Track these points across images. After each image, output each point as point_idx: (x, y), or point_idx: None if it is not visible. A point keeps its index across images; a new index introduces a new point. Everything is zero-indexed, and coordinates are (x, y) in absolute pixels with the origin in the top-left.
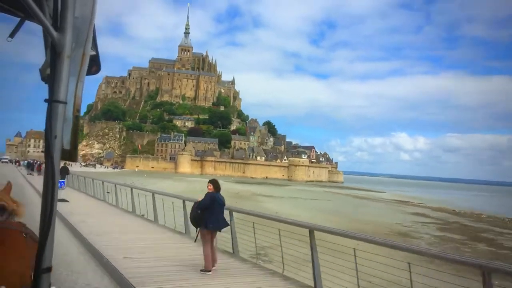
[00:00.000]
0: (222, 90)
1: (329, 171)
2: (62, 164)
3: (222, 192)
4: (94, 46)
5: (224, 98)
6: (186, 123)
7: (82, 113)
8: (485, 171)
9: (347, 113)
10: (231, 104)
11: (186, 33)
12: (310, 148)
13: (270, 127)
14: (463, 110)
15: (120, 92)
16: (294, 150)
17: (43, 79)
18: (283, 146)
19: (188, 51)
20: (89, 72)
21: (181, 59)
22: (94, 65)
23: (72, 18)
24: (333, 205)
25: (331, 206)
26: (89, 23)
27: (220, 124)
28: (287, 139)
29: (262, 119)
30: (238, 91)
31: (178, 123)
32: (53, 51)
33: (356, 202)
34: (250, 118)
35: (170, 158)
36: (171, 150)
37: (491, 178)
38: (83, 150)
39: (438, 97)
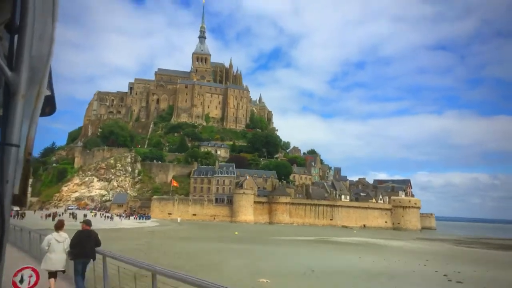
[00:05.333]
0: (255, 110)
1: None
2: (85, 226)
3: None
4: (49, 85)
5: (259, 119)
6: (218, 151)
7: (64, 143)
8: (453, 208)
9: (337, 151)
10: (268, 127)
11: (201, 37)
12: (406, 182)
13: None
14: (454, 149)
15: (119, 112)
16: (386, 186)
17: None
18: (348, 182)
19: (206, 60)
20: (43, 113)
21: (197, 70)
22: (48, 105)
23: (28, 57)
24: None
25: None
26: (46, 62)
27: (265, 152)
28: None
29: None
30: (271, 111)
31: (209, 150)
32: (7, 91)
33: None
34: (292, 146)
35: (216, 200)
36: (217, 188)
37: (462, 215)
38: (76, 191)
39: (437, 137)
